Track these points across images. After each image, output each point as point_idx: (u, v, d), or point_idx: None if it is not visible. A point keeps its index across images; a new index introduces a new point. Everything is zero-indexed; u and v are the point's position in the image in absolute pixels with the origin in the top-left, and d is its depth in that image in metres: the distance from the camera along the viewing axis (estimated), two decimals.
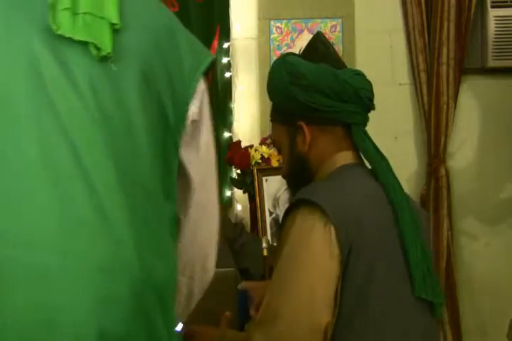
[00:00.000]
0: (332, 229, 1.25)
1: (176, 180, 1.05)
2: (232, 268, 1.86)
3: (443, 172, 2.87)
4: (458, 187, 2.97)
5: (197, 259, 1.15)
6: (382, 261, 1.29)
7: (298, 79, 1.41)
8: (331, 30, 2.90)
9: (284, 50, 2.88)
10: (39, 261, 0.89)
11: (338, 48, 2.90)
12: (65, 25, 0.93)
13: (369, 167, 1.44)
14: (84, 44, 0.94)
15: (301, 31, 2.89)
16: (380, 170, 1.38)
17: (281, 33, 2.89)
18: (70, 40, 0.94)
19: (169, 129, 1.03)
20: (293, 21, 2.89)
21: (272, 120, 1.53)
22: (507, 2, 2.87)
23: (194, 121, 1.07)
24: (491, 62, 2.88)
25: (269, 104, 1.56)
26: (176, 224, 1.07)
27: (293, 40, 2.89)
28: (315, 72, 1.41)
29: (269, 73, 1.51)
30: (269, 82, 1.51)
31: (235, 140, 2.80)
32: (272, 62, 1.57)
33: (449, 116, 2.86)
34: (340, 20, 2.90)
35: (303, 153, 1.44)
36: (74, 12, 0.94)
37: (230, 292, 1.57)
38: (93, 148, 0.94)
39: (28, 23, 0.95)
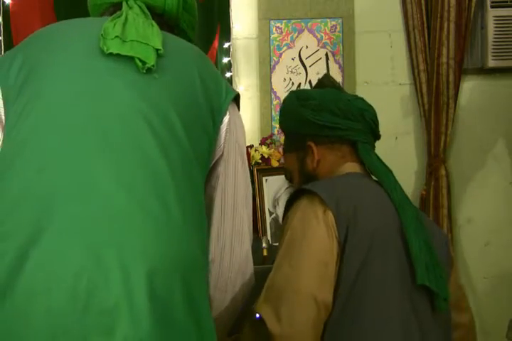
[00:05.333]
0: (330, 214, 1.33)
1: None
2: None
3: (443, 172, 2.87)
4: (458, 187, 2.97)
5: (236, 276, 1.23)
6: (379, 250, 1.33)
7: (306, 100, 1.54)
8: (331, 30, 2.90)
9: (284, 50, 2.88)
10: None
11: (338, 48, 2.90)
12: (113, 46, 1.09)
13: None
14: (131, 60, 1.09)
15: (301, 31, 2.89)
16: (387, 181, 1.45)
17: (281, 33, 2.89)
18: (119, 57, 1.09)
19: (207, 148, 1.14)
20: (293, 21, 2.89)
21: (284, 151, 1.65)
22: (507, 2, 2.87)
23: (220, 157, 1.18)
24: (491, 62, 2.89)
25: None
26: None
27: (293, 40, 2.89)
28: (322, 93, 1.55)
29: (281, 106, 1.64)
30: (281, 113, 1.64)
31: None
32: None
33: (449, 116, 2.86)
34: (340, 20, 2.90)
35: (312, 169, 1.54)
36: (123, 40, 1.10)
37: None
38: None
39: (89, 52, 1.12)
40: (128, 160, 1.01)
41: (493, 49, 2.87)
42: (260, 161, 2.67)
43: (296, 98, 1.57)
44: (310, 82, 2.87)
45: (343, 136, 1.51)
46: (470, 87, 2.97)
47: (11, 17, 2.55)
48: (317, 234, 1.32)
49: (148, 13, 1.20)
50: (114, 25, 1.12)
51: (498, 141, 2.98)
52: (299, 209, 1.37)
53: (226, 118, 1.16)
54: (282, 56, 2.87)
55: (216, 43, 2.83)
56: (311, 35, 2.89)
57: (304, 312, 1.26)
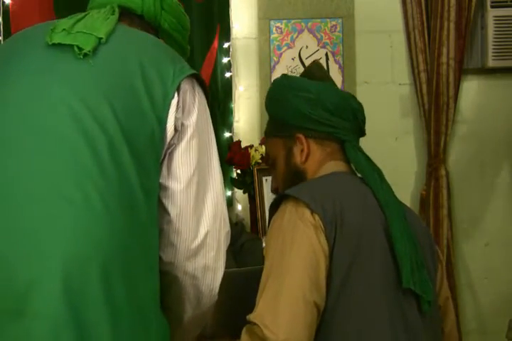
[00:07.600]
0: (317, 217, 1.32)
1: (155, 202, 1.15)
2: (232, 269, 1.86)
3: (443, 172, 2.87)
4: (458, 187, 2.97)
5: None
6: (366, 250, 1.33)
7: (302, 92, 1.49)
8: (331, 30, 2.90)
9: (284, 50, 2.88)
10: None
11: (338, 48, 2.90)
12: (57, 38, 1.14)
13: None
14: (71, 48, 1.13)
15: (301, 31, 2.89)
16: (373, 180, 1.44)
17: (281, 33, 2.89)
18: (61, 48, 1.13)
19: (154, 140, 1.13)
20: (293, 21, 2.90)
21: (267, 135, 1.59)
22: (507, 2, 2.87)
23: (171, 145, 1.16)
24: (491, 62, 2.88)
25: None
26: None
27: (293, 40, 2.89)
28: (320, 87, 1.50)
29: (270, 88, 1.58)
30: (268, 96, 1.58)
31: (235, 140, 2.80)
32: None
33: (449, 116, 2.86)
34: (340, 20, 2.90)
35: (299, 163, 1.51)
36: (69, 32, 1.14)
37: (229, 292, 1.57)
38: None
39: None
40: (52, 152, 1.05)
41: (493, 49, 2.87)
42: (260, 161, 2.67)
43: (290, 86, 1.52)
44: None
45: (333, 133, 1.49)
46: (470, 87, 2.97)
47: (11, 17, 2.55)
48: (306, 236, 1.30)
49: (117, 11, 1.22)
50: (68, 20, 1.17)
51: (498, 141, 2.98)
52: (286, 212, 1.35)
53: (174, 101, 1.15)
54: (282, 56, 2.87)
55: (216, 43, 2.83)
56: (311, 35, 2.89)
57: (298, 316, 1.24)
